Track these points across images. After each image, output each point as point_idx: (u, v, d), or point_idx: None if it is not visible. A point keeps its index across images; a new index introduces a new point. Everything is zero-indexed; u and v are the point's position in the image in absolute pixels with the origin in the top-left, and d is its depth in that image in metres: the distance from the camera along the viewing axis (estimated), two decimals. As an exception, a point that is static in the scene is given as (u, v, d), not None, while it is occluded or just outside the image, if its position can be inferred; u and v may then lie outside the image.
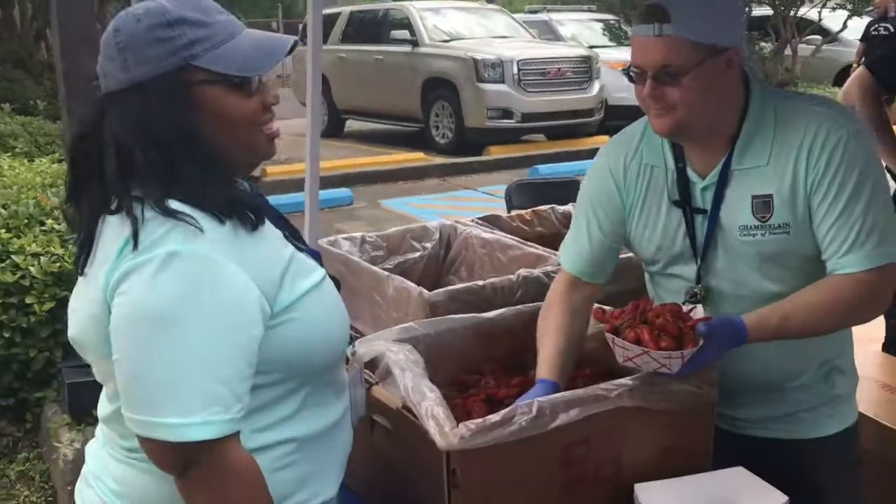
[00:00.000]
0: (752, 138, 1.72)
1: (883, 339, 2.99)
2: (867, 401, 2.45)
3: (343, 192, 8.58)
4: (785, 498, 1.58)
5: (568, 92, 11.21)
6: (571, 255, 1.91)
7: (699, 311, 1.77)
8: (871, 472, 2.39)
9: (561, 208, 2.90)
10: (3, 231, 3.28)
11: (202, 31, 1.30)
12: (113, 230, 1.27)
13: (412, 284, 2.16)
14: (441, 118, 11.41)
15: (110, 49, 1.29)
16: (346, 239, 2.59)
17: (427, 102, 11.48)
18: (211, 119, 1.30)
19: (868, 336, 2.94)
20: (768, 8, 16.86)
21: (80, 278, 1.34)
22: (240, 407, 1.24)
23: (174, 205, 1.25)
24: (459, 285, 2.19)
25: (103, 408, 1.41)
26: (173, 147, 1.27)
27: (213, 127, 1.30)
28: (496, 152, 10.72)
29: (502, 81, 10.82)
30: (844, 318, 1.72)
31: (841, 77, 12.76)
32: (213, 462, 1.22)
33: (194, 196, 1.26)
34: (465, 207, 8.34)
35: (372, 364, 1.75)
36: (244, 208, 1.30)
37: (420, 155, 10.70)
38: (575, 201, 1.97)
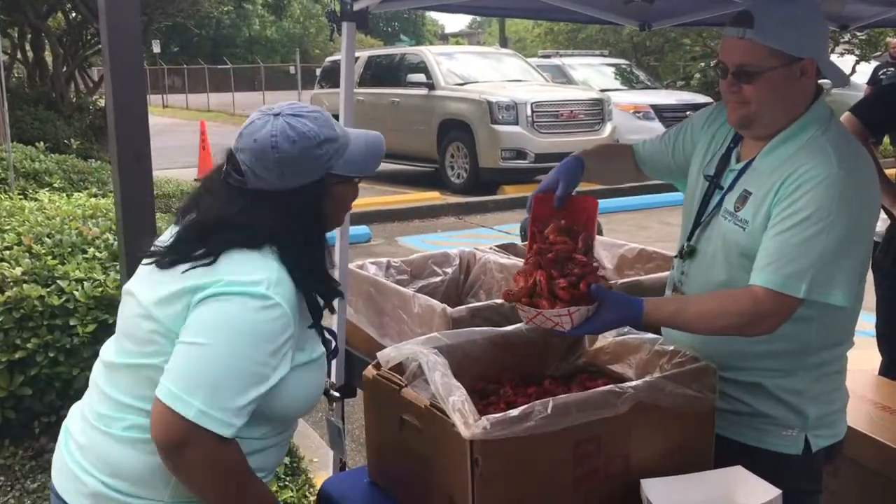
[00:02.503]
0: (781, 144, 1.90)
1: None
2: (863, 420, 2.59)
3: (361, 229, 8.81)
4: (778, 492, 1.71)
5: (580, 133, 11.45)
6: (644, 141, 2.33)
7: None
8: (872, 490, 2.53)
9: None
10: (49, 258, 3.47)
11: (336, 146, 1.69)
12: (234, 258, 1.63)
13: (436, 302, 2.34)
14: (456, 158, 11.66)
15: (267, 161, 1.63)
16: (373, 263, 2.78)
17: (442, 143, 11.74)
18: (334, 205, 1.74)
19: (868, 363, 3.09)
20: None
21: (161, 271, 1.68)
22: (241, 423, 1.57)
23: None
24: (480, 303, 2.36)
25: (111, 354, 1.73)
26: (308, 229, 1.69)
27: (332, 215, 1.75)
28: (510, 192, 10.93)
29: (516, 123, 11.08)
30: (731, 325, 1.83)
31: (850, 120, 12.88)
32: (207, 450, 1.55)
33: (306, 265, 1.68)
34: (482, 245, 8.52)
35: (399, 368, 1.92)
36: (333, 286, 1.78)
37: (435, 194, 10.94)
38: None
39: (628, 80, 15.09)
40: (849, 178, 1.79)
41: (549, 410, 1.65)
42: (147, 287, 1.68)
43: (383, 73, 12.99)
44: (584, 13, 2.80)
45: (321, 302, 1.75)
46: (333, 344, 1.85)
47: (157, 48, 31.36)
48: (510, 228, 9.18)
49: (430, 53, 12.80)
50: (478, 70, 12.67)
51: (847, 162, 1.81)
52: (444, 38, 53.43)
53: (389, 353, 1.91)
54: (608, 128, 11.76)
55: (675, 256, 2.16)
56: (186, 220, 1.72)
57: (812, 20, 1.88)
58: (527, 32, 31.76)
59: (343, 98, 2.72)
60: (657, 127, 12.58)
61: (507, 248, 3.03)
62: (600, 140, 11.55)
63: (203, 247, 1.63)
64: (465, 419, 1.61)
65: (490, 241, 8.72)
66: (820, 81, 1.92)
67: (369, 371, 1.96)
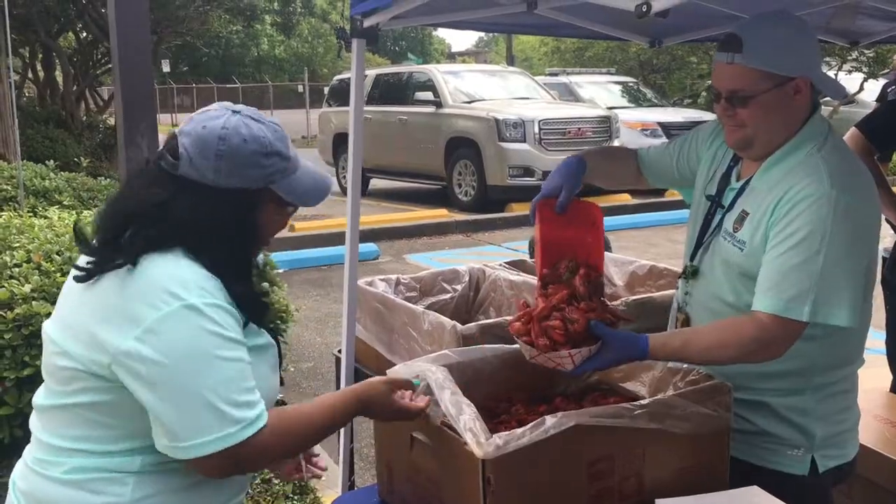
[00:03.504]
0: (778, 162, 1.89)
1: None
2: (876, 439, 2.56)
3: (369, 246, 8.81)
4: (796, 513, 1.69)
5: (588, 151, 11.42)
6: (649, 147, 2.33)
7: None
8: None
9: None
10: (58, 275, 3.47)
11: (284, 164, 1.59)
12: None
13: (446, 319, 2.32)
14: (464, 176, 11.67)
15: (208, 150, 1.52)
16: (382, 280, 2.77)
17: (450, 161, 11.76)
18: (261, 225, 1.61)
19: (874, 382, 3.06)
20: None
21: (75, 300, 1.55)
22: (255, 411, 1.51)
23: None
24: (490, 320, 2.35)
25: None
26: (229, 239, 1.55)
27: (257, 236, 1.62)
28: (518, 209, 10.92)
29: (524, 140, 11.10)
30: (738, 355, 1.81)
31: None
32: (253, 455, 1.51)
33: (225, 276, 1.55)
34: (490, 263, 8.51)
35: (409, 385, 1.90)
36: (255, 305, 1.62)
37: (443, 212, 10.94)
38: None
39: (635, 98, 15.11)
40: (842, 196, 1.77)
41: (561, 427, 1.64)
42: (67, 315, 1.57)
43: (391, 91, 13.04)
44: (595, 29, 2.80)
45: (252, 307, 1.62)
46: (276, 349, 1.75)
47: (166, 67, 31.58)
48: (518, 245, 9.16)
49: (437, 72, 12.84)
50: (485, 88, 12.71)
51: (840, 179, 1.80)
52: (452, 57, 53.67)
53: (399, 371, 1.90)
54: (615, 145, 11.76)
55: (679, 276, 2.15)
56: (105, 205, 1.62)
57: (801, 38, 1.87)
58: (533, 51, 31.89)
59: (353, 115, 2.72)
60: (665, 144, 12.56)
61: (516, 265, 3.02)
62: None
63: (119, 252, 1.50)
64: (477, 437, 1.59)
65: (498, 259, 8.69)
66: (826, 98, 1.91)
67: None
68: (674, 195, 11.26)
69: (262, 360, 1.62)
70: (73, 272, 1.55)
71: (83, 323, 1.50)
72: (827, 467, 1.94)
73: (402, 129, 12.36)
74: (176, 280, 1.47)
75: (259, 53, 42.26)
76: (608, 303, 1.91)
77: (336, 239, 8.76)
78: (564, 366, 1.80)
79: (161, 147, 1.61)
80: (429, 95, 12.18)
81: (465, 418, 1.62)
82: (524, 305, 1.96)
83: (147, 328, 1.43)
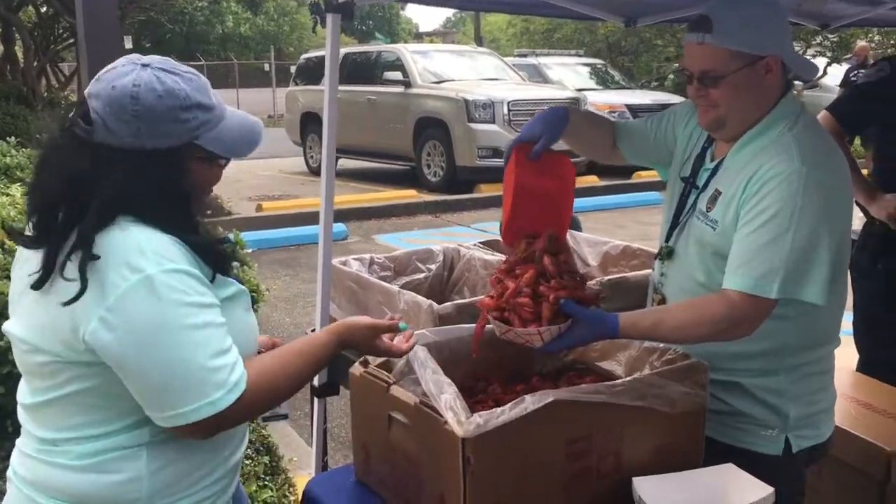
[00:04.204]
0: (749, 142, 1.90)
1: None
2: (844, 417, 2.59)
3: (338, 227, 8.74)
4: (770, 489, 1.70)
5: (557, 133, 11.43)
6: (626, 122, 2.32)
7: None
8: (854, 488, 2.53)
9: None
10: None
11: (207, 115, 1.50)
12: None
13: (422, 298, 2.31)
14: (432, 157, 11.63)
15: (123, 112, 1.41)
16: (356, 259, 2.74)
17: (419, 141, 11.71)
18: (192, 182, 1.52)
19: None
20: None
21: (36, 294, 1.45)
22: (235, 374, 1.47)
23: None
24: (466, 300, 2.34)
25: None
26: (164, 202, 1.46)
27: (191, 188, 1.52)
28: (487, 190, 10.92)
29: (493, 121, 11.07)
30: (709, 333, 1.80)
31: (822, 121, 13.09)
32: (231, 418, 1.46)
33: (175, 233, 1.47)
34: (464, 243, 8.51)
35: (387, 365, 1.89)
36: (215, 255, 1.53)
37: (412, 192, 10.90)
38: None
39: (603, 80, 15.14)
40: (813, 173, 1.77)
41: (540, 405, 1.63)
42: (24, 315, 1.50)
43: (359, 70, 12.92)
44: (571, 8, 2.79)
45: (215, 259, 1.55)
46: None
47: (129, 44, 30.85)
48: (487, 227, 9.16)
49: (406, 51, 12.75)
50: (454, 68, 12.64)
51: (812, 157, 1.80)
52: (419, 38, 53.33)
53: (378, 348, 1.88)
54: (597, 113, 11.74)
55: (655, 258, 2.15)
56: (28, 191, 1.52)
57: (771, 17, 1.87)
58: (501, 33, 31.81)
59: (328, 92, 2.68)
60: (633, 127, 12.61)
61: (490, 245, 3.01)
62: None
63: (57, 243, 1.42)
64: (458, 416, 1.58)
65: (467, 240, 8.65)
66: (796, 83, 1.91)
67: (356, 369, 1.92)
68: (640, 177, 11.35)
69: (236, 306, 1.57)
70: (27, 281, 1.45)
71: (49, 315, 1.43)
72: (801, 447, 1.96)
73: (371, 109, 12.27)
74: (132, 249, 1.40)
75: (224, 31, 41.59)
76: (583, 280, 1.91)
77: (304, 219, 8.71)
78: (533, 343, 1.79)
79: (71, 113, 1.49)
80: (397, 75, 12.10)
81: (447, 397, 1.62)
82: (496, 282, 1.95)
83: (109, 307, 1.38)
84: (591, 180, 11.60)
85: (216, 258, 1.52)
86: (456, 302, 2.31)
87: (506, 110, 11.13)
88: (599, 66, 16.00)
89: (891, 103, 2.99)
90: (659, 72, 19.15)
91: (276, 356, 1.58)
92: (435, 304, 2.26)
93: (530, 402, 1.62)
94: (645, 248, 2.89)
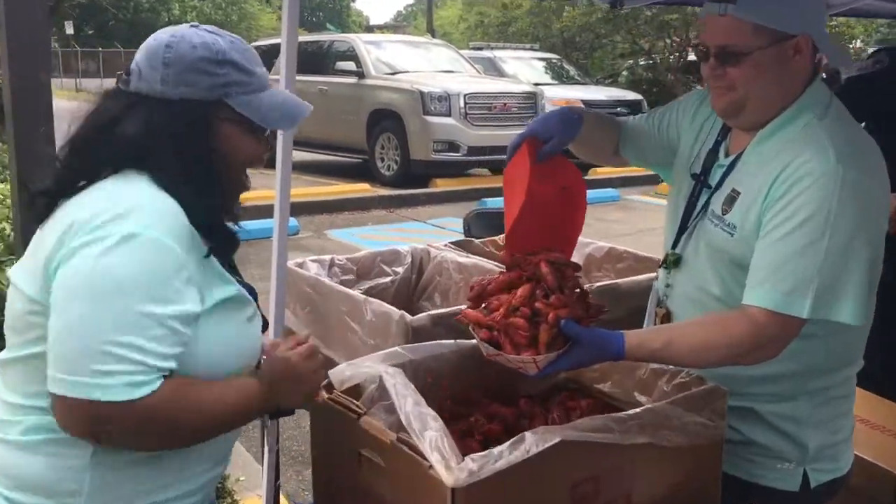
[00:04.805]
0: (772, 135, 1.67)
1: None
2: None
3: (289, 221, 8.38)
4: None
5: (513, 127, 11.18)
6: (629, 120, 2.06)
7: None
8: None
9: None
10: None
11: (243, 77, 1.44)
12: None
13: (393, 308, 2.02)
14: (386, 150, 11.31)
15: (155, 59, 1.41)
16: (314, 261, 2.44)
17: (372, 134, 11.38)
18: (221, 150, 1.44)
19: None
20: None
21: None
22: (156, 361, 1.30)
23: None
24: (442, 310, 2.05)
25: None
26: (184, 155, 1.40)
27: (219, 157, 1.44)
28: (442, 185, 10.65)
29: (449, 115, 10.78)
30: (728, 356, 1.58)
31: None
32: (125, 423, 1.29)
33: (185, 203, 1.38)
34: (415, 239, 8.22)
35: (354, 390, 1.60)
36: (223, 235, 1.46)
37: (365, 186, 10.56)
38: None
39: (559, 75, 14.98)
40: (850, 172, 1.54)
41: (545, 447, 1.37)
42: (28, 255, 1.43)
43: (311, 60, 12.48)
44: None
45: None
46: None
47: (69, 29, 29.91)
48: (444, 223, 8.88)
49: (360, 41, 12.39)
50: (409, 59, 12.31)
51: (848, 154, 1.57)
52: (370, 30, 52.86)
53: (344, 372, 1.59)
54: (606, 114, 11.53)
55: (660, 266, 1.90)
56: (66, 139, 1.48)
57: None
58: (452, 27, 31.51)
59: (284, 76, 2.37)
60: (589, 123, 12.44)
61: (463, 246, 2.73)
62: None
63: (67, 179, 1.41)
64: (446, 460, 1.30)
65: (423, 236, 8.48)
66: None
67: (318, 393, 1.63)
68: (597, 173, 11.16)
69: (233, 312, 1.44)
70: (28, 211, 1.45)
71: (35, 250, 1.39)
72: (819, 482, 1.73)
73: (323, 99, 11.85)
74: (121, 201, 1.33)
75: (170, 19, 40.47)
76: (586, 294, 1.64)
77: (255, 213, 8.29)
78: (527, 370, 1.54)
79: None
80: (351, 66, 11.73)
81: (432, 435, 1.33)
82: (479, 296, 1.67)
83: (73, 249, 1.29)
84: (548, 176, 11.35)
85: (223, 239, 1.45)
86: (431, 313, 2.02)
87: (462, 103, 10.85)
88: (555, 60, 15.84)
89: (890, 95, 2.80)
90: (612, 68, 19.07)
91: (197, 397, 1.36)
92: (408, 316, 1.97)
93: (532, 443, 1.35)
94: (632, 251, 2.64)
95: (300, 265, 2.40)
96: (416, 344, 1.77)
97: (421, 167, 10.86)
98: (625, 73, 18.93)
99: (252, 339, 1.49)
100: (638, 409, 1.52)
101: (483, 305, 1.62)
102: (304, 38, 13.99)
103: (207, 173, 1.42)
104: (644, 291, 2.24)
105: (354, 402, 1.56)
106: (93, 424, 1.28)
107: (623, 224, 8.99)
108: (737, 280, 1.65)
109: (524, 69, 14.54)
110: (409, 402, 1.42)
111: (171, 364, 1.30)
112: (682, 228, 1.82)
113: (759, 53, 1.59)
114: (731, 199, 1.69)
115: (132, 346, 1.27)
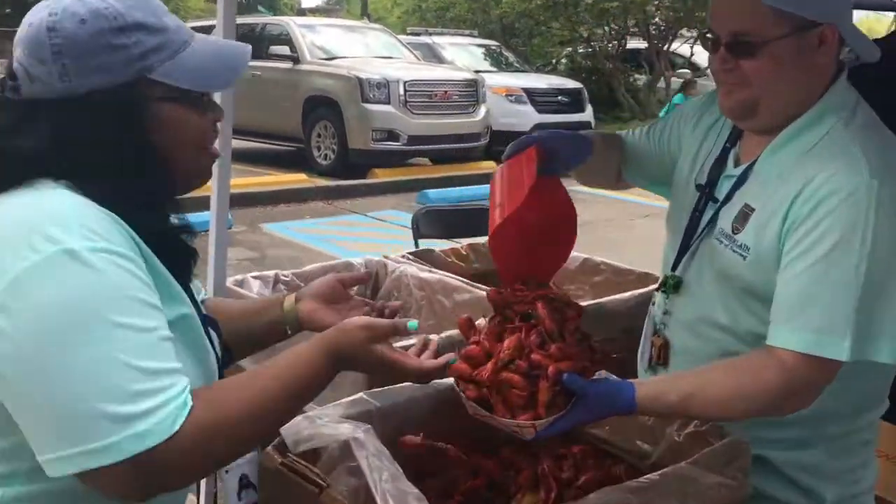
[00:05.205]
0: (790, 141, 1.45)
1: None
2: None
3: (220, 214, 7.97)
4: None
5: (454, 115, 10.99)
6: (629, 135, 1.84)
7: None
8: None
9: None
10: None
11: (158, 38, 1.15)
12: None
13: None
14: (323, 138, 10.94)
15: (41, 51, 1.10)
16: (256, 278, 2.14)
17: (308, 121, 11.01)
18: (161, 139, 1.15)
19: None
20: (643, 41, 17.40)
21: None
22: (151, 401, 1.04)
23: None
24: (409, 341, 1.78)
25: None
26: (112, 159, 1.11)
27: (162, 147, 1.16)
28: (382, 175, 10.34)
29: (388, 102, 10.48)
30: (759, 408, 1.37)
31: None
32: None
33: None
34: (355, 233, 7.90)
35: (314, 455, 1.32)
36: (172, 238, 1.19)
37: (302, 176, 10.17)
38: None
39: (498, 62, 14.78)
40: (885, 187, 1.33)
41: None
42: None
43: (243, 42, 12.02)
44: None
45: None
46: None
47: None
48: (384, 215, 8.59)
49: (294, 24, 11.96)
50: (345, 44, 11.93)
51: (882, 166, 1.36)
52: (302, 13, 51.87)
53: (301, 431, 1.32)
54: (482, 110, 11.33)
55: (657, 290, 1.68)
56: None
57: None
58: (386, 12, 31.00)
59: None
60: (530, 111, 12.30)
61: (421, 256, 2.46)
62: (475, 123, 11.12)
63: None
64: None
65: (363, 229, 8.14)
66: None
67: (270, 458, 1.34)
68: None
69: (184, 335, 1.15)
70: None
71: None
72: None
73: (256, 85, 11.36)
74: (51, 217, 1.04)
75: (93, -2, 39.22)
76: (588, 338, 1.39)
77: (190, 205, 7.86)
78: (524, 435, 1.30)
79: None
80: (285, 50, 11.31)
81: (416, 527, 1.07)
82: (468, 325, 1.43)
83: (10, 283, 1.00)
84: (489, 166, 11.11)
85: (175, 252, 1.18)
86: (396, 346, 1.74)
87: (402, 91, 10.54)
88: (494, 47, 15.62)
89: (881, 84, 2.63)
90: (552, 55, 18.95)
91: (241, 383, 1.13)
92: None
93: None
94: (610, 263, 2.41)
95: (240, 283, 2.10)
96: (382, 388, 1.50)
97: (359, 156, 10.54)
98: (564, 60, 18.83)
99: (206, 372, 1.22)
100: (656, 475, 1.28)
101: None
102: (237, 20, 13.49)
103: (147, 176, 1.15)
104: (632, 311, 2.01)
105: (313, 469, 1.28)
106: (146, 481, 1.01)
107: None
108: (747, 308, 1.45)
109: (463, 56, 14.29)
110: (384, 475, 1.15)
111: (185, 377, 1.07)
112: (685, 248, 1.59)
113: (777, 44, 1.37)
114: (744, 216, 1.47)
115: (143, 370, 1.01)
